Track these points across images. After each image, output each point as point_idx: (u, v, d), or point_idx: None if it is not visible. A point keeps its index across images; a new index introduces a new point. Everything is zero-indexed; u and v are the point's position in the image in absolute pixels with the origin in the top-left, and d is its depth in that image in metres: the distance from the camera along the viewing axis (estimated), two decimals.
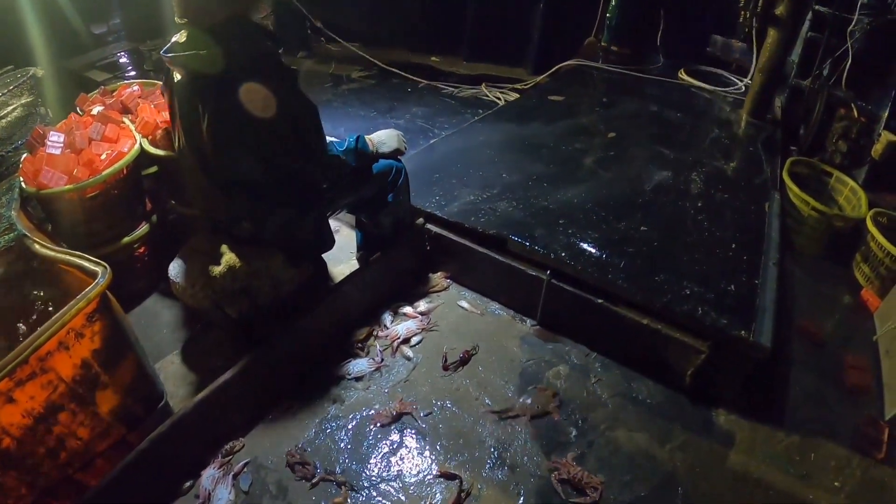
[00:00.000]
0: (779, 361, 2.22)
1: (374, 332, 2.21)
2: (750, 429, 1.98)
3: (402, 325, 2.20)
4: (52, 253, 1.77)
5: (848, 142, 3.16)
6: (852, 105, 3.20)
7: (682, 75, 3.84)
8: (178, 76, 1.77)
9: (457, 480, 1.73)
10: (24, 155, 2.25)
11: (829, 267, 2.80)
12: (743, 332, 1.88)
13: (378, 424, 1.90)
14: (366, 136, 2.03)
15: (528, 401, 1.97)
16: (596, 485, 1.75)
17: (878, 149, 3.02)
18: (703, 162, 2.73)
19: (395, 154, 2.11)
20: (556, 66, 3.99)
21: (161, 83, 2.56)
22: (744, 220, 2.37)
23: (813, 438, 1.98)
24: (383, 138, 2.08)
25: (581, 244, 2.17)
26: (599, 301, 2.01)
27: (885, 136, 2.99)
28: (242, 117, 1.64)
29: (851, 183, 2.97)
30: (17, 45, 3.08)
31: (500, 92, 3.81)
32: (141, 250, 2.33)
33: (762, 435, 1.98)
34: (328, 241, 2.13)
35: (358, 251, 2.37)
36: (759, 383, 2.09)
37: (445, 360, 2.11)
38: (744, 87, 3.59)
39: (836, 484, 1.85)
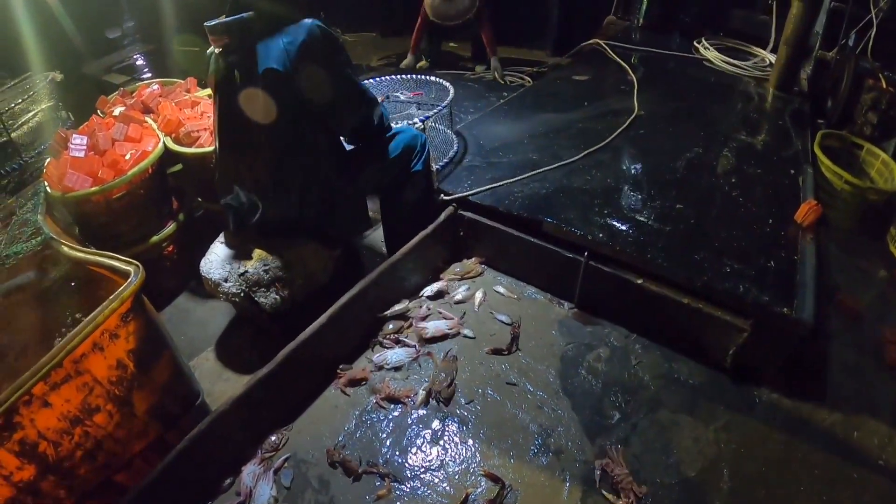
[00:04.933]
0: (818, 337, 2.18)
1: (409, 324, 2.18)
2: (792, 407, 1.95)
3: (431, 323, 2.15)
4: (81, 254, 1.76)
5: (878, 113, 3.09)
6: (880, 75, 3.12)
7: (702, 50, 3.76)
8: (219, 49, 1.84)
9: (500, 483, 1.69)
10: (48, 159, 2.25)
11: (863, 241, 2.74)
12: (785, 308, 1.83)
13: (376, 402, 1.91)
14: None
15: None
16: (637, 492, 1.67)
17: None
18: (733, 137, 2.68)
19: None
20: (578, 47, 3.93)
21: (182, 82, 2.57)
22: (777, 194, 2.32)
23: (855, 416, 1.94)
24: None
25: (617, 224, 2.13)
26: (639, 281, 1.97)
27: None
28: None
29: (883, 155, 2.90)
30: (33, 53, 3.10)
31: (513, 75, 3.80)
32: (169, 249, 2.33)
33: (805, 413, 1.94)
34: (365, 219, 2.16)
35: (386, 241, 2.35)
36: (799, 360, 2.05)
37: (496, 348, 2.08)
38: (768, 62, 3.52)
39: (879, 462, 1.81)
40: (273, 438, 1.84)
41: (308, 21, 1.78)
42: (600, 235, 2.06)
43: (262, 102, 1.78)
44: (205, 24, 1.80)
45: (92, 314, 1.48)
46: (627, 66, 3.43)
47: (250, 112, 1.81)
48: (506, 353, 2.07)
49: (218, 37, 1.81)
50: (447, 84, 2.62)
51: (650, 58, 3.76)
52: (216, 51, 1.86)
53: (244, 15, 1.75)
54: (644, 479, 1.72)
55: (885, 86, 3.11)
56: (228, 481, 1.75)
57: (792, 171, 2.47)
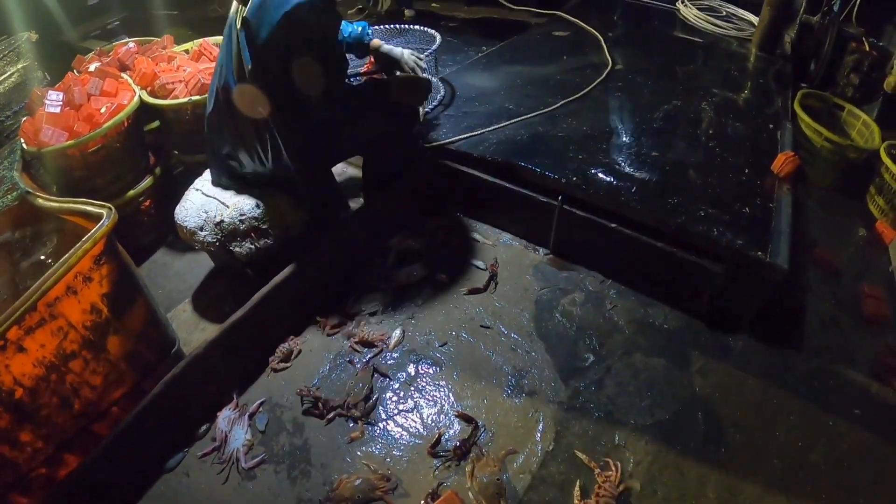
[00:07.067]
0: (795, 289, 2.19)
1: (383, 270, 2.18)
2: (768, 354, 1.96)
3: (404, 269, 2.16)
4: (55, 204, 1.76)
5: (860, 75, 3.09)
6: (864, 39, 3.12)
7: (683, 10, 3.73)
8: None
9: (473, 423, 1.71)
10: (25, 118, 2.23)
11: (843, 199, 2.76)
12: (759, 252, 1.84)
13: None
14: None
15: None
16: None
17: (890, 81, 2.95)
18: (712, 92, 2.68)
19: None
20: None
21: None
22: (755, 146, 2.32)
23: (831, 365, 1.96)
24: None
25: (591, 170, 2.13)
26: (613, 225, 1.98)
27: None
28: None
29: (864, 116, 2.91)
30: (9, 20, 3.06)
31: None
32: (146, 203, 2.31)
33: (781, 361, 1.95)
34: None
35: (364, 187, 2.35)
36: (777, 309, 2.07)
37: (472, 288, 2.10)
38: (750, 23, 3.52)
39: (855, 412, 1.83)
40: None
41: None
42: (574, 179, 2.06)
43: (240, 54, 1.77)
44: None
45: (65, 256, 1.48)
46: (609, 22, 3.41)
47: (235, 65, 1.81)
48: (483, 290, 2.08)
49: None
50: (433, 31, 2.61)
51: (632, 14, 3.75)
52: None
53: None
54: (618, 420, 1.73)
55: (868, 49, 3.11)
56: (204, 428, 1.76)
57: (771, 126, 2.47)
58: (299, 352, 1.90)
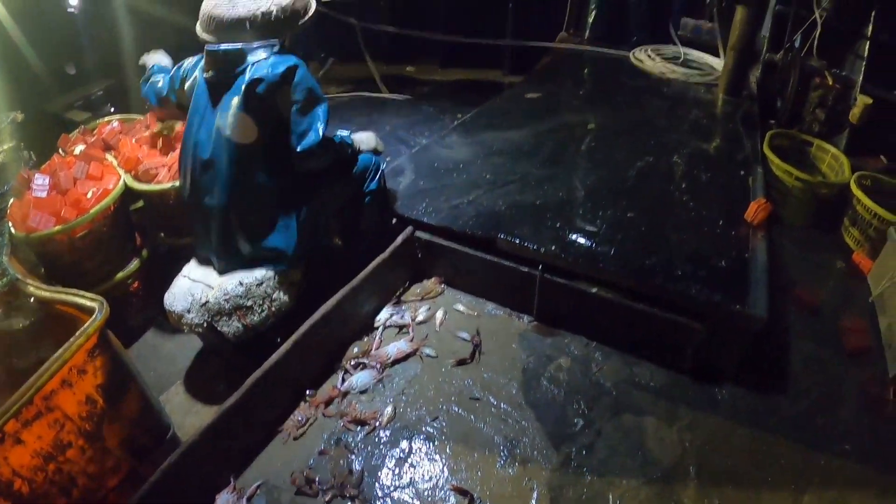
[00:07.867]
0: (776, 332, 2.24)
1: (371, 347, 2.21)
2: (755, 401, 2.00)
3: (392, 345, 2.19)
4: (46, 293, 1.78)
5: (825, 109, 3.20)
6: (826, 73, 3.24)
7: (647, 61, 3.82)
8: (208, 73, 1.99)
9: (468, 496, 1.72)
10: (12, 200, 2.26)
11: (818, 235, 2.83)
12: (738, 305, 1.89)
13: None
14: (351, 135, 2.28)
15: None
16: None
17: (855, 113, 3.07)
18: (684, 143, 2.77)
19: (373, 152, 2.36)
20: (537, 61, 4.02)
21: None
22: (728, 196, 2.40)
23: (818, 404, 2.00)
24: (363, 139, 2.34)
25: (569, 236, 2.19)
26: (593, 291, 2.03)
27: (862, 100, 3.04)
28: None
29: (833, 150, 3.01)
30: None
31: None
32: (135, 285, 2.34)
33: (768, 406, 1.99)
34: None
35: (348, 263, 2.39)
36: (760, 355, 2.12)
37: (459, 360, 2.14)
38: (712, 67, 3.63)
39: (846, 447, 1.87)
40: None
41: (294, 58, 1.95)
42: (553, 248, 2.12)
43: (235, 119, 1.90)
44: (206, 47, 1.97)
45: (59, 351, 1.51)
46: (580, 81, 3.51)
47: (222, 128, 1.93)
48: (469, 361, 2.12)
49: (213, 60, 1.96)
50: None
51: (601, 72, 3.86)
52: (205, 73, 1.99)
53: (238, 46, 1.91)
54: (611, 482, 1.75)
55: (831, 83, 3.23)
56: None
57: (742, 173, 2.55)
58: (315, 419, 1.95)
